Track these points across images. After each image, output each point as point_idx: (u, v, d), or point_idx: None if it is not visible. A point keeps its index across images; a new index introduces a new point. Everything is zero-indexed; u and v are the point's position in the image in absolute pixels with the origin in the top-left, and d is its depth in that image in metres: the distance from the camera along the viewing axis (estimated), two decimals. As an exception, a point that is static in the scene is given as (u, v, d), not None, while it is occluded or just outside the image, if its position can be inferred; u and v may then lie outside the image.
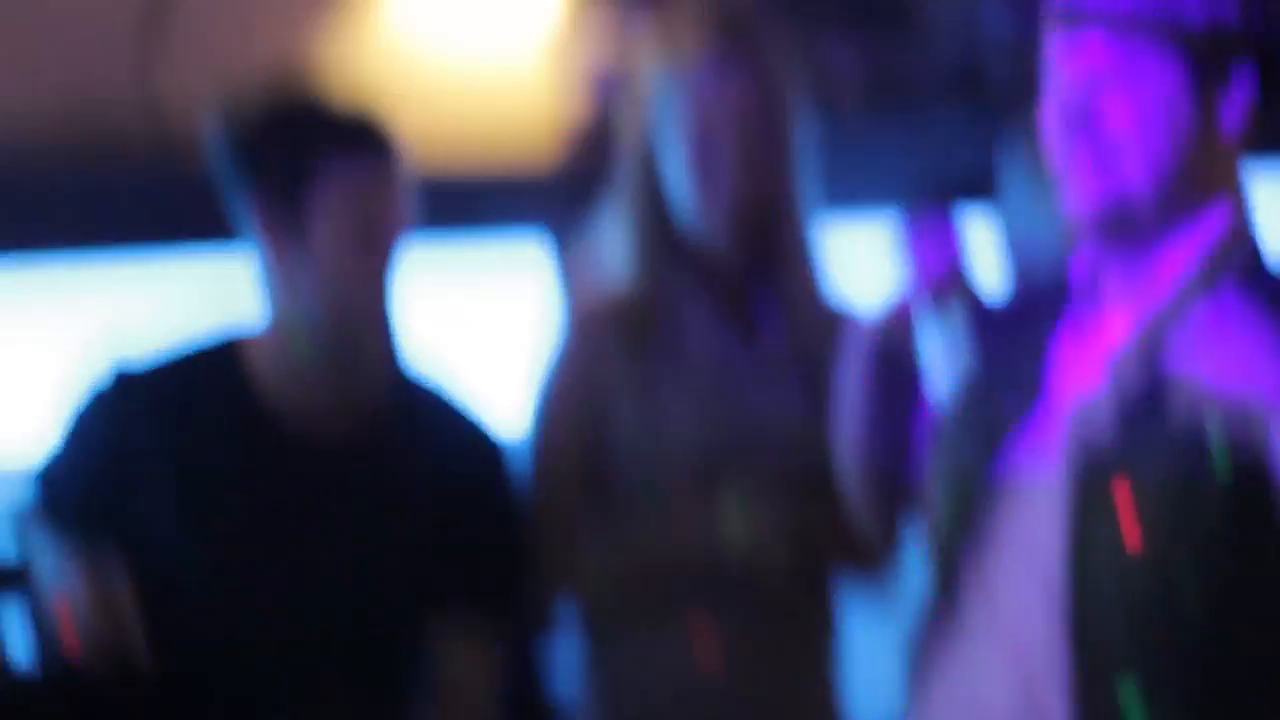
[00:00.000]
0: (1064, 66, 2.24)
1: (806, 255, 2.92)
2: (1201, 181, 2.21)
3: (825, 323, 2.88)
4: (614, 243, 2.91)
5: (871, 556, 2.91)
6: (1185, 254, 2.19)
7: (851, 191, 3.78)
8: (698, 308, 2.89)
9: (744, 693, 2.89)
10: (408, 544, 2.72)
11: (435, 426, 2.79)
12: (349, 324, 2.67)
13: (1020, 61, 3.82)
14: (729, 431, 2.87)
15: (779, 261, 2.90)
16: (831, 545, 2.86)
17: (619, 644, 2.90)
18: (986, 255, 3.47)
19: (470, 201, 3.54)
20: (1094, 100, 2.20)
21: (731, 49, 2.84)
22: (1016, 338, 2.32)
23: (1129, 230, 2.21)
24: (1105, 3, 2.21)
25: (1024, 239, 3.36)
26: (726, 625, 2.86)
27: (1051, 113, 2.24)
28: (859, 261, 3.09)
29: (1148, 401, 2.15)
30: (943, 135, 3.82)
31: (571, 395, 2.89)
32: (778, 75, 2.85)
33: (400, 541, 2.71)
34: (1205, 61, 2.20)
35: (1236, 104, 2.21)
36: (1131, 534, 2.12)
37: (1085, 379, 2.22)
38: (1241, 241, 2.22)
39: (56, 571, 2.63)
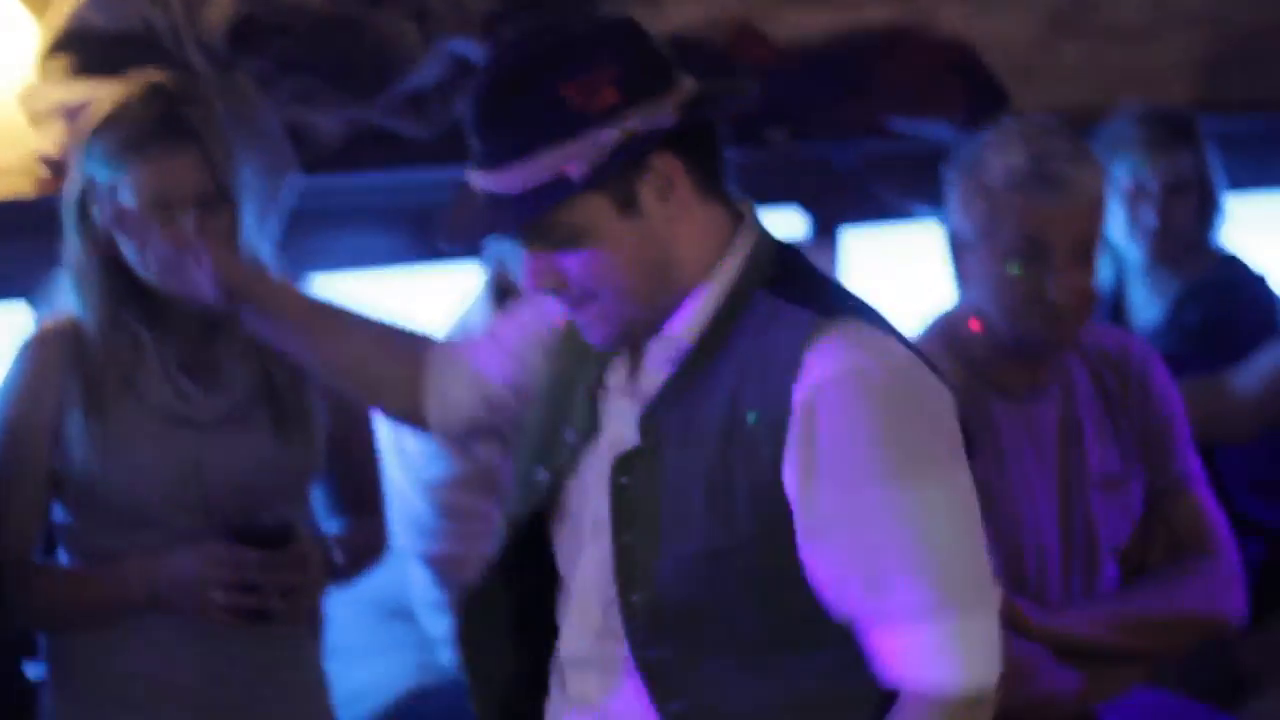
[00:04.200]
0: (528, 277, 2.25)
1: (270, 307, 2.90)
2: (681, 263, 2.23)
3: (290, 365, 2.90)
4: (73, 279, 2.90)
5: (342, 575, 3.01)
6: (687, 317, 2.24)
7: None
8: (158, 351, 2.90)
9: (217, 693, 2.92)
10: None
11: None
12: None
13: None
14: (184, 474, 2.88)
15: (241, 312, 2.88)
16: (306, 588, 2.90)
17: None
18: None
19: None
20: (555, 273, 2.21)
21: (174, 124, 2.82)
22: (576, 371, 2.37)
23: (638, 337, 2.28)
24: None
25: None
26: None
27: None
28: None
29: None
30: (430, 194, 3.90)
31: (22, 405, 2.87)
32: (219, 148, 2.82)
33: None
34: (612, 171, 2.15)
35: (669, 181, 2.19)
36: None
37: (622, 425, 2.29)
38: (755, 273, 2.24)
39: None
